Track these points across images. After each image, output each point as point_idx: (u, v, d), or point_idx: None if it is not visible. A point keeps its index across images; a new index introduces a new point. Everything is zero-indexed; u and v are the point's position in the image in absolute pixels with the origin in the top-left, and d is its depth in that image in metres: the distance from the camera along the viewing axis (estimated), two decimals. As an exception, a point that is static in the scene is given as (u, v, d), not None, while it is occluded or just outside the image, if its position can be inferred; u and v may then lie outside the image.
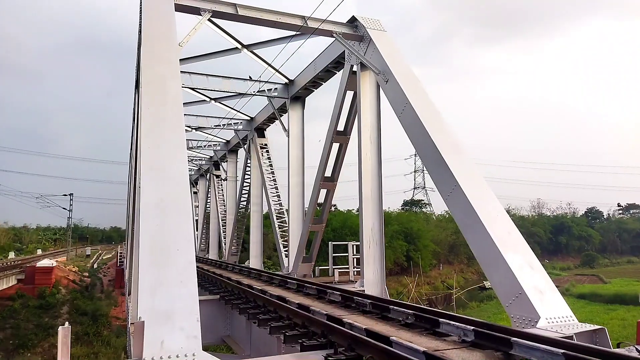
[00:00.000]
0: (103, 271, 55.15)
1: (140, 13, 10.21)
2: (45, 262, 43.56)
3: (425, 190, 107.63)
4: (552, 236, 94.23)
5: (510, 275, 7.32)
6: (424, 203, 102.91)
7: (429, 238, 69.09)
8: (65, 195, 67.81)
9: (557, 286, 7.78)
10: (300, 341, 6.60)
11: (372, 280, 12.12)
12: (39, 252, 68.69)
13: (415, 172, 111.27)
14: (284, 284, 12.73)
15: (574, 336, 6.15)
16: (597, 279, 67.00)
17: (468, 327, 5.88)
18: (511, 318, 7.28)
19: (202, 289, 15.35)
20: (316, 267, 16.63)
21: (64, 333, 5.55)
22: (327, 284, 11.56)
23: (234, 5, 11.71)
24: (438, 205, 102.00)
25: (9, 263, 47.75)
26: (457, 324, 6.10)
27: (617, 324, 36.10)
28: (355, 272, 14.84)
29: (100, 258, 69.14)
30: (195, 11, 11.25)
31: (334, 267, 15.38)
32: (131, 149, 21.39)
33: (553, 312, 6.98)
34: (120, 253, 52.71)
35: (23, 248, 74.62)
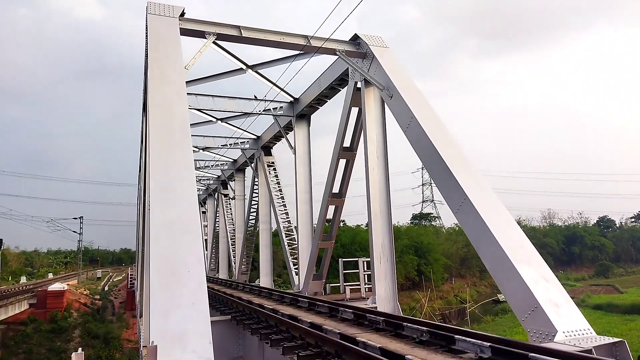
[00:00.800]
0: (114, 293, 55.13)
1: (147, 38, 10.39)
2: (56, 286, 43.69)
3: (434, 204, 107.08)
4: (564, 246, 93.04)
5: (525, 289, 7.21)
6: (433, 216, 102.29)
7: (439, 251, 68.53)
8: (75, 218, 68.16)
9: (572, 297, 7.64)
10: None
11: (384, 296, 11.99)
12: (50, 275, 68.96)
13: (423, 185, 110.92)
14: (295, 302, 12.63)
15: (593, 350, 6.02)
16: (612, 289, 65.85)
17: (484, 343, 5.77)
18: (528, 332, 7.15)
19: (213, 310, 15.27)
20: (327, 285, 16.51)
21: (77, 359, 5.53)
22: (339, 302, 11.44)
23: (238, 27, 11.89)
24: (447, 218, 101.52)
25: (20, 287, 47.95)
26: (473, 340, 6.00)
27: (637, 334, 35.30)
28: (366, 288, 14.70)
29: (111, 280, 69.17)
30: (201, 35, 11.44)
31: (345, 284, 15.25)
32: (140, 170, 21.56)
33: (570, 325, 6.85)
34: (131, 275, 52.72)
35: (34, 272, 75.04)
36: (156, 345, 5.22)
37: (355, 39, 13.01)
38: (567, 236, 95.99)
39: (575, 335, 6.72)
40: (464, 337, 6.18)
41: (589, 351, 5.94)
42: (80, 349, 5.81)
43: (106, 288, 59.24)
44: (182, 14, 11.15)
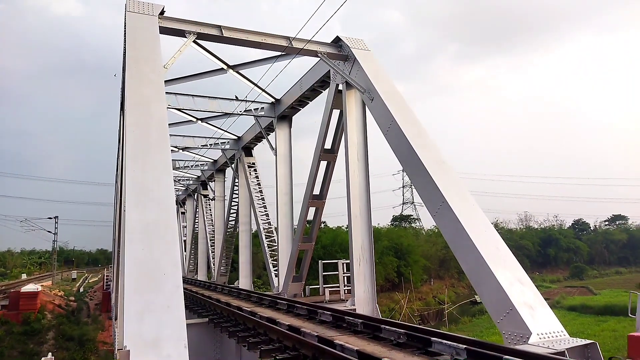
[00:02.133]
0: (89, 295, 54.03)
1: (125, 36, 10.22)
2: (30, 287, 42.56)
3: (414, 206, 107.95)
4: (540, 249, 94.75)
5: (501, 292, 7.32)
6: (413, 218, 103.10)
7: (419, 253, 69.05)
8: (50, 218, 66.52)
9: (547, 299, 7.79)
10: (290, 365, 6.48)
11: (363, 298, 12.03)
12: (24, 276, 67.10)
13: (403, 187, 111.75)
14: (274, 304, 12.57)
15: (566, 352, 6.13)
16: (586, 291, 67.30)
17: (460, 345, 5.83)
18: (503, 334, 7.25)
19: (191, 312, 15.08)
20: (307, 287, 16.47)
21: (46, 364, 5.38)
22: (318, 304, 11.43)
23: (219, 27, 11.78)
24: (427, 220, 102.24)
25: (-8, 289, 46.56)
26: (449, 342, 6.05)
27: (609, 335, 36.15)
28: (346, 290, 14.72)
29: (87, 281, 67.77)
30: (180, 33, 11.30)
31: (324, 286, 15.24)
32: (117, 170, 21.19)
33: (544, 328, 6.97)
34: (107, 276, 51.77)
35: (7, 273, 72.93)
36: (129, 350, 5.12)
37: (337, 41, 13.03)
38: (543, 238, 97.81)
39: (549, 337, 6.84)
40: (440, 340, 6.24)
41: (562, 353, 6.06)
42: (50, 354, 5.66)
43: (81, 289, 58.02)
44: (162, 12, 10.99)
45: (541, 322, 7.05)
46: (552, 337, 6.87)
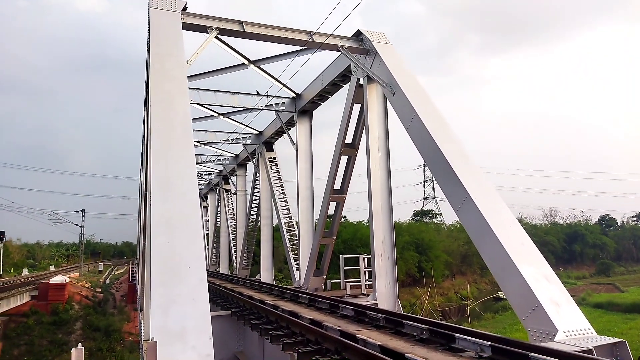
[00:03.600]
0: (115, 286, 55.32)
1: (149, 32, 10.35)
2: (58, 279, 43.85)
3: (436, 200, 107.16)
4: (565, 245, 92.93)
5: (526, 288, 7.19)
6: (435, 213, 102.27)
7: (440, 248, 68.52)
8: (77, 211, 68.28)
9: (572, 296, 7.63)
10: (314, 358, 6.52)
11: (384, 293, 11.99)
12: (52, 268, 69.19)
13: (425, 182, 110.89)
14: (295, 298, 12.64)
15: (594, 350, 6.00)
16: (613, 288, 65.80)
17: (485, 342, 5.77)
18: (528, 332, 7.13)
19: (214, 305, 15.30)
20: (327, 281, 16.52)
21: (77, 355, 5.54)
22: (339, 298, 11.46)
23: (241, 22, 11.83)
24: (449, 215, 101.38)
25: (22, 280, 48.14)
26: (473, 339, 5.99)
27: (637, 333, 35.30)
28: (367, 285, 14.71)
29: (113, 273, 69.35)
30: (203, 29, 11.39)
31: (345, 280, 15.26)
32: (142, 165, 21.56)
33: (571, 325, 6.83)
34: (132, 268, 52.89)
35: (36, 264, 75.26)
36: (156, 341, 5.22)
37: (358, 35, 12.95)
38: (568, 234, 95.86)
39: (575, 334, 6.70)
40: (464, 336, 6.18)
41: (590, 351, 5.93)
42: (80, 344, 5.82)
43: (108, 281, 59.43)
44: (185, 8, 11.09)
45: (568, 320, 6.91)
46: (579, 334, 6.73)
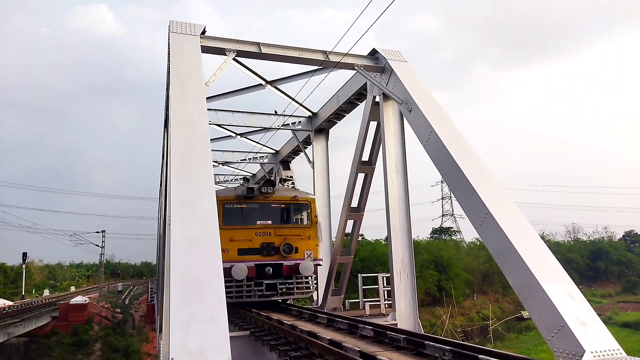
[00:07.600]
0: (134, 307, 55.59)
1: (169, 55, 10.61)
2: (78, 299, 44.28)
3: (454, 217, 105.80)
4: (589, 262, 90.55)
5: (551, 307, 6.99)
6: (454, 230, 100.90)
7: (460, 267, 67.32)
8: (97, 232, 69.28)
9: (599, 314, 7.38)
10: (333, 379, 6.40)
11: (404, 313, 11.81)
12: (73, 289, 70.02)
13: (442, 199, 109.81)
14: (314, 318, 12.50)
15: (624, 371, 5.78)
16: (641, 306, 63.61)
17: (509, 362, 5.60)
18: (554, 352, 6.91)
19: (232, 324, 15.22)
20: (346, 300, 16.33)
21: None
22: (358, 318, 11.30)
23: (258, 44, 12.05)
24: (468, 232, 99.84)
25: (44, 300, 48.75)
26: None
27: (668, 354, 33.90)
28: (386, 304, 14.49)
29: (132, 293, 69.83)
30: (221, 52, 11.63)
31: (364, 299, 15.06)
32: (161, 185, 21.86)
33: (599, 345, 6.60)
34: (151, 288, 53.18)
35: (57, 285, 76.28)
36: (176, 361, 5.21)
37: (374, 53, 13.05)
38: (592, 251, 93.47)
39: (604, 355, 6.47)
40: (488, 357, 6.03)
41: (620, 373, 5.72)
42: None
43: (127, 301, 59.80)
44: (203, 32, 11.36)
45: (595, 339, 6.68)
46: (607, 355, 6.50)
